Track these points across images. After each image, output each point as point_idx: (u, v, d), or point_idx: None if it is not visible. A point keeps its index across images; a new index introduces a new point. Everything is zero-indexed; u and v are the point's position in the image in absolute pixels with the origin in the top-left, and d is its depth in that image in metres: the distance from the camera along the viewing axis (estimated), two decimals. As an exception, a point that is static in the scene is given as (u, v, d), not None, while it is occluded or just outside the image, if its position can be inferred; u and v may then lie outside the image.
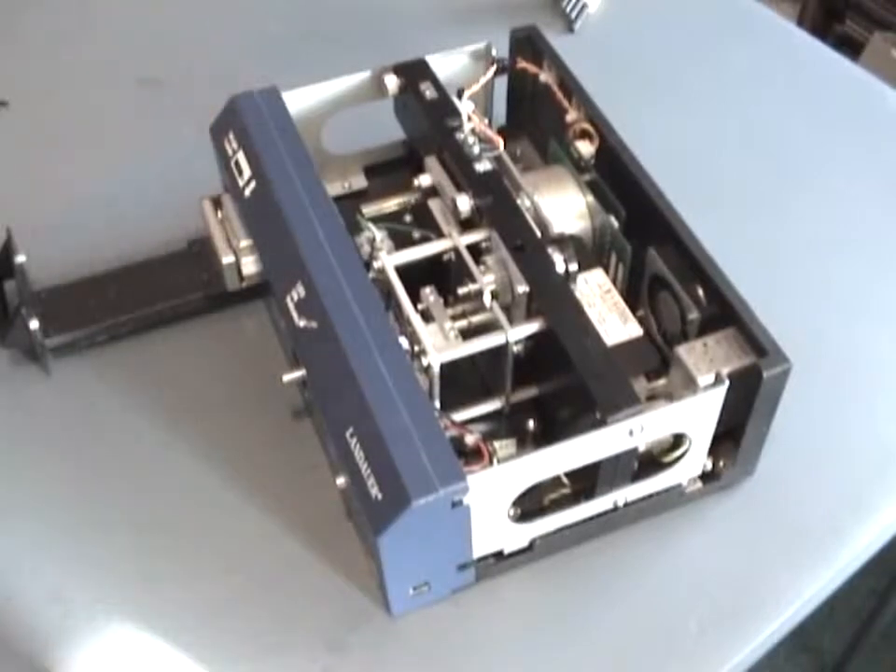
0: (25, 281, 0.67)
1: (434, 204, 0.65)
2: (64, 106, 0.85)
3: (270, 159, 0.63)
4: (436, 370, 0.56)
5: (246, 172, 0.64)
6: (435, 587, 0.57)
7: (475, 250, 0.61)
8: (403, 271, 0.60)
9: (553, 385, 0.58)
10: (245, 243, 0.65)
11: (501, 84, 0.73)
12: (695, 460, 0.59)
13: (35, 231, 0.71)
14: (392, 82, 0.69)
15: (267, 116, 0.65)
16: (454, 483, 0.50)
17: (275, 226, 0.61)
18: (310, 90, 0.68)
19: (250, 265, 0.65)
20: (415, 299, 0.59)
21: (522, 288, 0.57)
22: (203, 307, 0.69)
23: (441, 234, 0.63)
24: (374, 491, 0.51)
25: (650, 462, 0.58)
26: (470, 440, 0.56)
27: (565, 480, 0.57)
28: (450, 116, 0.66)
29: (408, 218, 0.66)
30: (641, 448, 0.55)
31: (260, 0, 0.94)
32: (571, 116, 0.67)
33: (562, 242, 0.60)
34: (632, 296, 0.62)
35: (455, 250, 0.61)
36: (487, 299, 0.58)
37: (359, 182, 0.73)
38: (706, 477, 0.60)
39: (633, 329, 0.58)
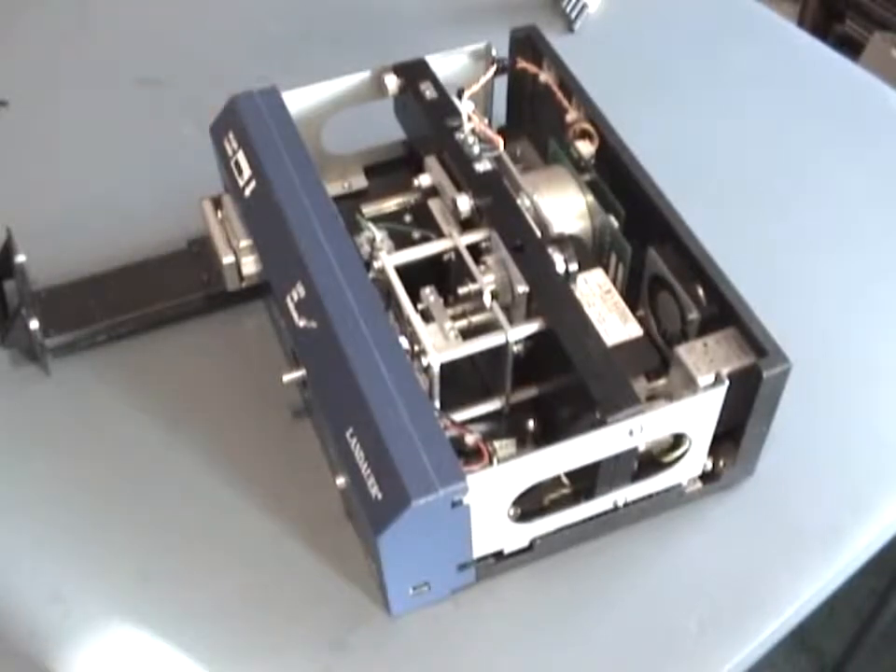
0: (25, 281, 0.67)
1: (434, 204, 0.65)
2: (64, 106, 0.85)
3: (270, 159, 0.63)
4: (436, 370, 0.56)
5: (246, 172, 0.64)
6: (435, 587, 0.57)
7: (475, 250, 0.61)
8: (403, 271, 0.60)
9: (553, 385, 0.58)
10: (244, 243, 0.65)
11: (501, 84, 0.73)
12: (695, 460, 0.59)
13: (35, 231, 0.71)
14: (392, 82, 0.69)
15: (267, 116, 0.65)
16: (454, 483, 0.50)
17: (275, 226, 0.61)
18: (310, 90, 0.68)
19: (250, 265, 0.65)
20: (415, 299, 0.59)
21: (522, 288, 0.57)
22: (203, 307, 0.69)
23: (441, 234, 0.63)
24: (374, 491, 0.51)
25: (650, 462, 0.58)
26: (470, 440, 0.56)
27: (565, 480, 0.57)
28: (450, 116, 0.66)
29: (408, 218, 0.66)
30: (641, 448, 0.55)
31: (260, 0, 0.94)
32: (571, 116, 0.67)
33: (562, 242, 0.60)
34: (632, 296, 0.62)
35: (455, 250, 0.61)
36: (487, 299, 0.58)
37: (359, 182, 0.73)
38: (706, 477, 0.60)
39: (633, 329, 0.58)
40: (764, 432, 0.59)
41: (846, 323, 0.70)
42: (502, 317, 0.57)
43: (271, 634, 0.57)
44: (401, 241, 0.63)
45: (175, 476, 0.63)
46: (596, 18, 0.91)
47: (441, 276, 0.62)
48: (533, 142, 0.73)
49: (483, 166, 0.63)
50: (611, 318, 0.59)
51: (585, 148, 0.66)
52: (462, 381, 0.59)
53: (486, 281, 0.59)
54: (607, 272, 0.62)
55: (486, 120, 0.72)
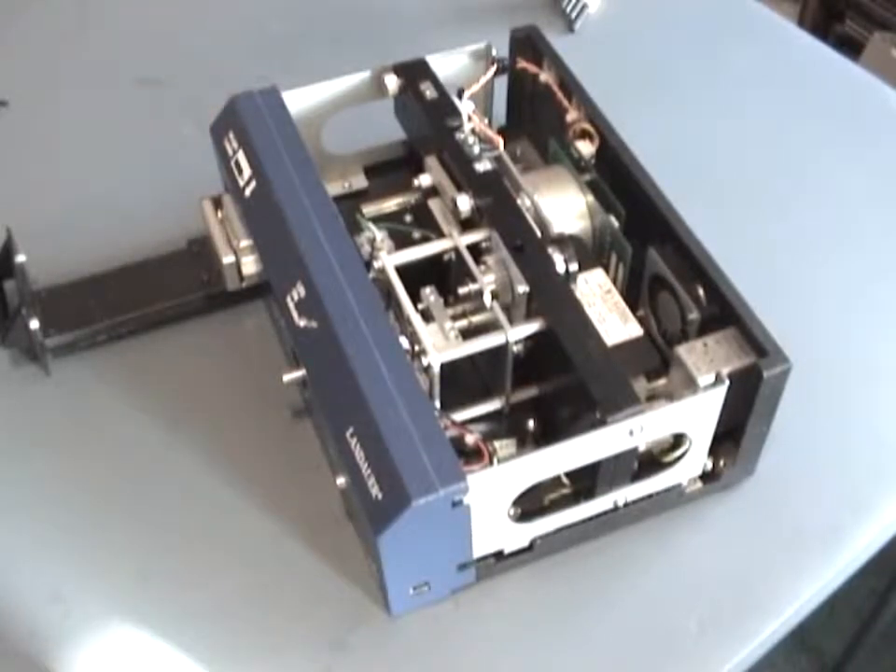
0: (25, 281, 0.67)
1: (434, 204, 0.65)
2: (64, 106, 0.85)
3: (270, 159, 0.63)
4: (436, 369, 0.56)
5: (246, 172, 0.64)
6: (435, 587, 0.57)
7: (475, 250, 0.61)
8: (403, 271, 0.60)
9: (553, 385, 0.58)
10: (245, 243, 0.65)
11: (501, 84, 0.73)
12: (695, 460, 0.59)
13: (35, 231, 0.70)
14: (392, 82, 0.69)
15: (267, 116, 0.65)
16: (454, 483, 0.50)
17: (275, 226, 0.61)
18: (310, 90, 0.68)
19: (250, 265, 0.65)
20: (415, 299, 0.59)
21: (522, 288, 0.57)
22: (203, 307, 0.69)
23: (441, 234, 0.63)
24: (374, 491, 0.51)
25: (650, 462, 0.58)
26: (470, 439, 0.56)
27: (565, 480, 0.57)
28: (450, 116, 0.66)
29: (408, 218, 0.66)
30: (641, 448, 0.55)
31: (260, 0, 0.94)
32: (571, 116, 0.67)
33: (562, 242, 0.60)
34: (632, 296, 0.62)
35: (456, 250, 0.61)
36: (487, 299, 0.58)
37: (359, 182, 0.73)
38: (706, 477, 0.60)
39: (633, 329, 0.58)
40: (764, 432, 0.59)
41: (846, 323, 0.70)
42: (502, 317, 0.57)
43: (271, 634, 0.57)
44: (401, 241, 0.63)
45: (175, 476, 0.63)
46: (596, 18, 0.91)
47: (441, 276, 0.62)
48: (533, 142, 0.73)
49: (483, 166, 0.63)
50: (611, 318, 0.59)
51: (585, 148, 0.66)
52: (462, 381, 0.59)
53: (486, 281, 0.59)
54: (607, 272, 0.62)
55: (486, 120, 0.72)
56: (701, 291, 0.58)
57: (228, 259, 0.65)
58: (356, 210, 0.65)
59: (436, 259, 0.62)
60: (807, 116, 0.83)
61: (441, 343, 0.57)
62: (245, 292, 0.68)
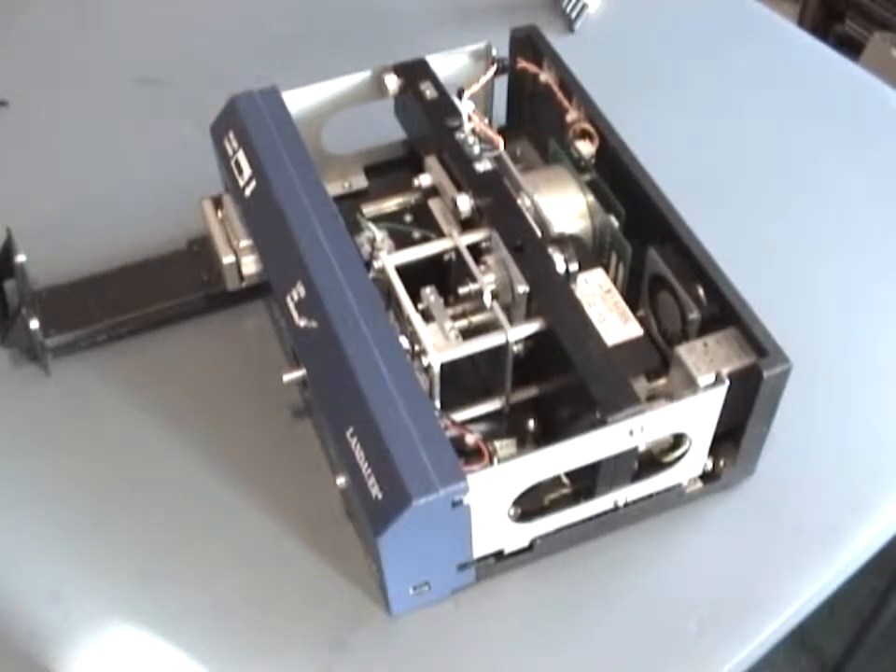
0: (25, 281, 0.67)
1: (434, 204, 0.65)
2: (64, 106, 0.85)
3: (270, 159, 0.63)
4: (436, 369, 0.56)
5: (246, 172, 0.64)
6: (435, 587, 0.57)
7: (475, 250, 0.61)
8: (403, 271, 0.60)
9: (554, 384, 0.58)
10: (245, 243, 0.65)
11: (501, 84, 0.73)
12: (695, 460, 0.59)
13: (35, 231, 0.70)
14: (392, 82, 0.69)
15: (267, 116, 0.65)
16: (454, 483, 0.50)
17: (275, 226, 0.61)
18: (310, 90, 0.68)
19: (250, 265, 0.65)
20: (416, 299, 0.59)
21: (522, 288, 0.57)
22: (203, 307, 0.69)
23: (441, 234, 0.63)
24: (374, 491, 0.51)
25: (650, 462, 0.58)
26: (470, 439, 0.56)
27: (565, 480, 0.57)
28: (450, 116, 0.66)
29: (408, 218, 0.66)
30: (641, 448, 0.55)
31: (260, 0, 0.94)
32: (571, 116, 0.67)
33: (562, 242, 0.60)
34: (632, 296, 0.62)
35: (456, 250, 0.61)
36: (487, 299, 0.58)
37: (359, 182, 0.73)
38: (706, 477, 0.60)
39: (633, 329, 0.58)
40: (765, 432, 0.59)
41: (846, 323, 0.70)
42: (502, 317, 0.57)
43: (271, 634, 0.57)
44: (402, 241, 0.63)
45: (175, 476, 0.63)
46: (596, 18, 0.91)
47: (441, 276, 0.62)
48: (533, 142, 0.73)
49: (483, 166, 0.63)
50: (612, 318, 0.59)
51: (585, 148, 0.66)
52: (462, 381, 0.59)
53: (486, 281, 0.59)
54: (607, 271, 0.62)
55: (486, 120, 0.72)
56: (701, 291, 0.58)
57: (228, 259, 0.65)
58: (356, 210, 0.65)
59: (436, 259, 0.62)
60: (807, 116, 0.83)
61: (441, 343, 0.57)
62: (245, 292, 0.68)
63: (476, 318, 0.60)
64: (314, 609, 0.58)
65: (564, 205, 0.64)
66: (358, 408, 0.53)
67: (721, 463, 0.60)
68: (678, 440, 0.57)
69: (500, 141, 0.66)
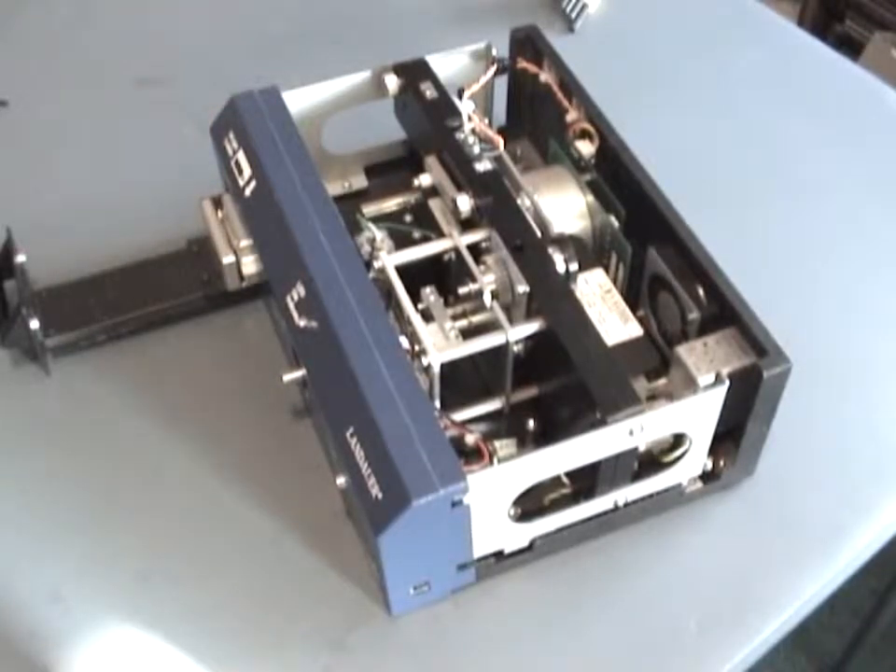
0: (25, 281, 0.67)
1: (434, 204, 0.65)
2: (64, 106, 0.85)
3: (270, 159, 0.63)
4: (436, 369, 0.56)
5: (246, 172, 0.64)
6: (435, 587, 0.57)
7: (475, 250, 0.61)
8: (403, 270, 0.60)
9: (554, 384, 0.58)
10: (245, 243, 0.65)
11: (501, 84, 0.73)
12: (695, 460, 0.59)
13: (35, 231, 0.71)
14: (392, 82, 0.69)
15: (267, 116, 0.65)
16: (454, 483, 0.50)
17: (275, 226, 0.61)
18: (310, 90, 0.68)
19: (250, 265, 0.65)
20: (415, 298, 0.59)
21: (522, 288, 0.57)
22: (203, 307, 0.69)
23: (441, 234, 0.63)
24: (374, 491, 0.51)
25: (650, 462, 0.58)
26: (470, 439, 0.56)
27: (565, 480, 0.57)
28: (450, 116, 0.66)
29: (408, 218, 0.66)
30: (641, 448, 0.55)
31: (260, 0, 0.94)
32: (571, 116, 0.67)
33: (562, 242, 0.60)
34: (632, 296, 0.62)
35: (456, 250, 0.61)
36: (487, 298, 0.58)
37: (359, 182, 0.73)
38: (706, 477, 0.60)
39: (633, 329, 0.58)
40: (765, 432, 0.59)
41: (846, 323, 0.70)
42: (502, 317, 0.57)
43: (271, 634, 0.57)
44: (401, 241, 0.63)
45: (175, 476, 0.63)
46: (596, 18, 0.91)
47: (441, 276, 0.62)
48: (533, 142, 0.73)
49: (483, 166, 0.63)
50: (612, 318, 0.59)
51: (585, 148, 0.66)
52: (462, 381, 0.59)
53: (486, 281, 0.59)
54: (607, 271, 0.62)
55: (486, 120, 0.72)
56: (701, 291, 0.58)
57: (228, 259, 0.65)
58: (356, 210, 0.65)
59: (436, 259, 0.62)
60: (807, 116, 0.83)
61: (441, 343, 0.57)
62: (245, 292, 0.68)
63: (476, 318, 0.60)
64: (314, 609, 0.58)
65: (564, 205, 0.64)
66: (358, 408, 0.53)
67: (721, 463, 0.60)
68: (678, 440, 0.57)
69: (500, 141, 0.66)
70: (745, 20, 0.92)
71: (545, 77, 0.69)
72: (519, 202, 0.62)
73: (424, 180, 0.65)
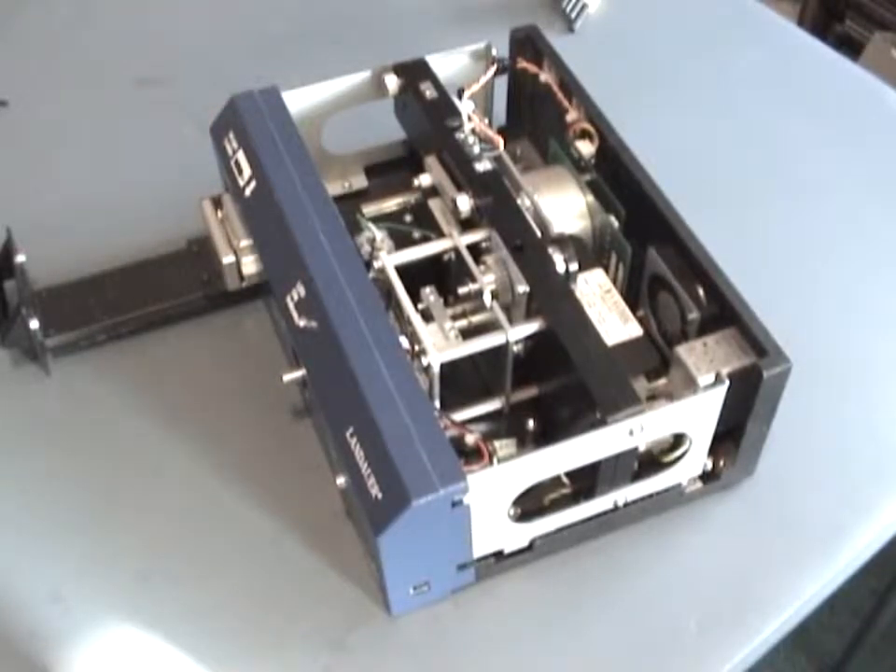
0: (25, 281, 0.67)
1: (434, 204, 0.65)
2: (64, 106, 0.85)
3: (270, 159, 0.63)
4: (436, 369, 0.56)
5: (246, 172, 0.64)
6: (435, 587, 0.57)
7: (475, 250, 0.61)
8: (403, 270, 0.60)
9: (554, 384, 0.58)
10: (245, 243, 0.65)
11: (501, 84, 0.73)
12: (695, 460, 0.59)
13: (35, 231, 0.71)
14: (392, 82, 0.69)
15: (267, 116, 0.65)
16: (454, 483, 0.50)
17: (275, 226, 0.61)
18: (310, 90, 0.68)
19: (250, 265, 0.65)
20: (415, 298, 0.59)
21: (522, 288, 0.57)
22: (203, 307, 0.69)
23: (441, 234, 0.63)
24: (374, 491, 0.51)
25: (650, 462, 0.58)
26: (470, 439, 0.56)
27: (565, 480, 0.57)
28: (450, 116, 0.66)
29: (408, 218, 0.66)
30: (641, 448, 0.55)
31: (260, 0, 0.94)
32: (571, 116, 0.67)
33: (562, 242, 0.60)
34: (632, 296, 0.62)
35: (456, 250, 0.61)
36: (487, 298, 0.58)
37: (359, 182, 0.73)
38: (706, 477, 0.60)
39: (633, 329, 0.58)
40: (764, 432, 0.59)
41: (846, 323, 0.70)
42: (502, 317, 0.57)
43: (271, 634, 0.57)
44: (401, 241, 0.63)
45: (175, 476, 0.63)
46: (596, 18, 0.91)
47: (441, 276, 0.62)
48: (533, 142, 0.73)
49: (483, 166, 0.63)
50: (611, 318, 0.59)
51: (585, 148, 0.66)
52: (462, 381, 0.59)
53: (486, 281, 0.59)
54: (607, 272, 0.62)
55: (486, 120, 0.72)
56: (701, 291, 0.58)
57: (228, 259, 0.65)
58: (356, 210, 0.65)
59: (436, 259, 0.62)
60: (807, 116, 0.83)
61: (441, 343, 0.57)
62: (245, 292, 0.68)
63: (476, 318, 0.60)
64: (313, 609, 0.58)
65: (564, 205, 0.64)
66: (358, 408, 0.53)
67: (721, 463, 0.60)
68: (678, 440, 0.57)
69: (500, 141, 0.66)
70: (745, 20, 0.92)
71: (545, 77, 0.69)
72: (519, 202, 0.62)
73: (424, 180, 0.65)
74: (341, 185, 0.73)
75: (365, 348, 0.54)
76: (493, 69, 0.70)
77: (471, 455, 0.55)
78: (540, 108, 0.71)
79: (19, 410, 0.66)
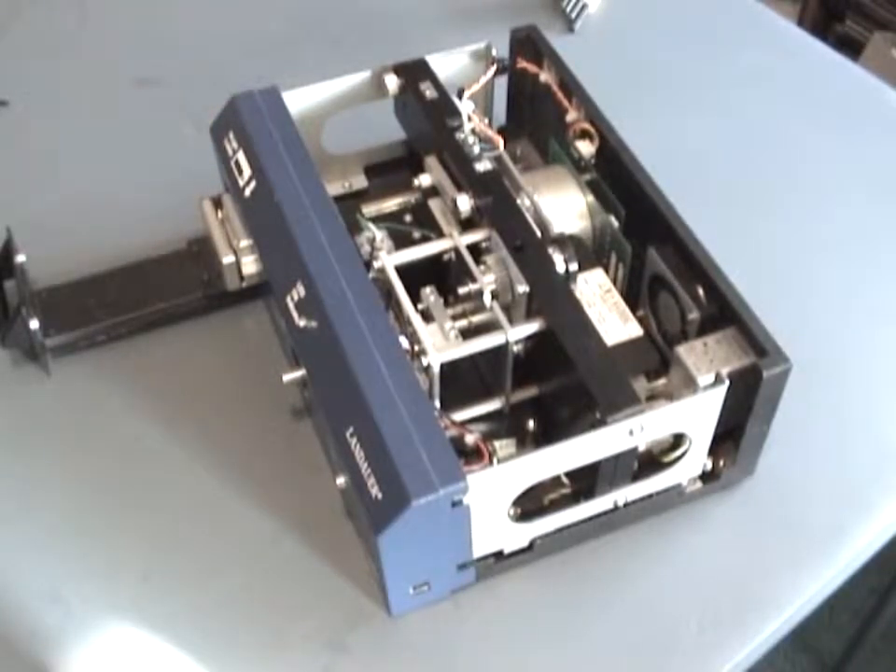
0: (25, 281, 0.67)
1: (434, 204, 0.65)
2: (64, 106, 0.85)
3: (270, 159, 0.63)
4: (436, 369, 0.56)
5: (246, 172, 0.64)
6: (435, 587, 0.57)
7: (475, 250, 0.61)
8: (403, 271, 0.60)
9: (554, 384, 0.58)
10: (245, 243, 0.65)
11: (501, 84, 0.73)
12: (695, 460, 0.59)
13: (35, 231, 0.71)
14: (392, 82, 0.69)
15: (267, 116, 0.65)
16: (454, 483, 0.50)
17: (275, 226, 0.61)
18: (310, 90, 0.68)
19: (250, 265, 0.65)
20: (415, 299, 0.59)
21: (522, 288, 0.57)
22: (203, 307, 0.69)
23: (441, 234, 0.63)
24: (374, 491, 0.51)
25: (650, 462, 0.58)
26: (470, 439, 0.56)
27: (565, 480, 0.57)
28: (450, 116, 0.66)
29: (408, 218, 0.66)
30: (641, 448, 0.55)
31: (260, 0, 0.94)
32: (571, 116, 0.67)
33: (562, 242, 0.60)
34: (632, 296, 0.62)
35: (456, 250, 0.61)
36: (487, 298, 0.58)
37: (359, 182, 0.73)
38: (706, 477, 0.60)
39: (633, 329, 0.58)
40: (765, 432, 0.59)
41: (846, 323, 0.70)
42: (502, 317, 0.57)
43: (271, 634, 0.57)
44: (401, 241, 0.63)
45: (175, 476, 0.63)
46: (596, 18, 0.91)
47: (441, 276, 0.62)
48: (533, 142, 0.73)
49: (483, 166, 0.63)
50: (611, 318, 0.59)
51: (585, 148, 0.66)
52: (462, 381, 0.59)
53: (486, 281, 0.59)
54: (607, 272, 0.62)
55: (486, 120, 0.72)
56: (701, 291, 0.58)
57: (228, 259, 0.65)
58: (356, 210, 0.65)
59: (436, 259, 0.62)
60: (807, 116, 0.83)
61: (440, 343, 0.57)
62: (245, 292, 0.68)
63: (476, 318, 0.60)
64: (313, 609, 0.58)
65: (564, 205, 0.64)
66: (358, 408, 0.53)
67: (721, 463, 0.60)
68: (678, 440, 0.57)
69: (500, 141, 0.66)
70: (745, 20, 0.92)
71: (545, 77, 0.69)
72: (519, 202, 0.62)
73: (424, 180, 0.65)
74: (341, 185, 0.73)
75: (365, 348, 0.54)
76: (493, 69, 0.70)
77: (471, 456, 0.55)
78: (540, 108, 0.71)
79: (19, 410, 0.66)
